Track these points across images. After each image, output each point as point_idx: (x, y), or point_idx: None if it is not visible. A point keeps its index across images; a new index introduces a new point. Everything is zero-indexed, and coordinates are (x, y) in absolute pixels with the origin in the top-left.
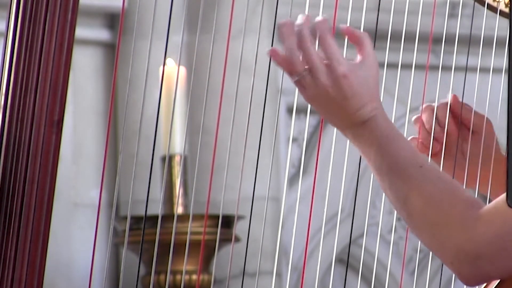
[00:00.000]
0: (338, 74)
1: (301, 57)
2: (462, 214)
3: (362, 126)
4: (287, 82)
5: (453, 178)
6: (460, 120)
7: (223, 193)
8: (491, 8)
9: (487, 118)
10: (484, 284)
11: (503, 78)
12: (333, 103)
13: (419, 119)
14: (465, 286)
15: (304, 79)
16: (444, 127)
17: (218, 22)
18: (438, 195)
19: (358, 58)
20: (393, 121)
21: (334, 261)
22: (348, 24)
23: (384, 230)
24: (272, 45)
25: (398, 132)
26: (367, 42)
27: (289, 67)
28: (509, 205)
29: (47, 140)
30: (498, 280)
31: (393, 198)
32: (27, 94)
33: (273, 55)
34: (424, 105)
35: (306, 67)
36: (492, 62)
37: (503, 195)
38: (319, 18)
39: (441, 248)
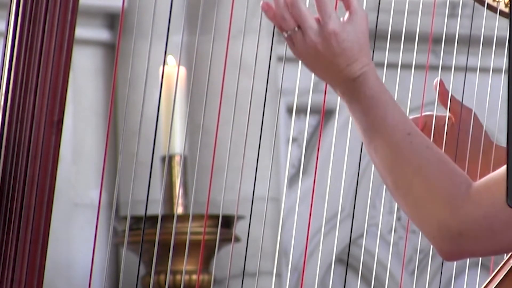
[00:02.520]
0: (328, 31)
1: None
2: (450, 190)
3: (352, 82)
4: (287, 82)
5: None
6: (448, 111)
7: (223, 193)
8: (491, 8)
9: (474, 112)
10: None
11: (503, 78)
12: (323, 59)
13: None
14: (465, 286)
15: (295, 35)
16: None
17: (218, 22)
18: (426, 166)
19: (347, 14)
20: None
21: (334, 261)
22: None
23: (384, 230)
24: (272, 46)
25: (389, 95)
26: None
27: (279, 24)
28: (509, 205)
29: (47, 140)
30: (499, 280)
31: (378, 163)
32: (27, 94)
33: (265, 10)
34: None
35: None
36: (492, 62)
37: (495, 176)
38: None
39: (424, 221)
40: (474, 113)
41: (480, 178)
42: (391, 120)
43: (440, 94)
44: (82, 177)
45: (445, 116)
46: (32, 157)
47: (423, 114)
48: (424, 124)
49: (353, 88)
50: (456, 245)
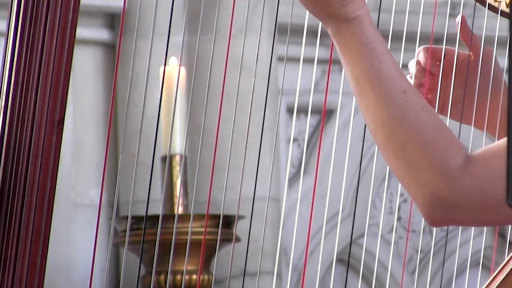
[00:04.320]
0: None
1: None
2: (446, 159)
3: (345, 24)
4: (287, 82)
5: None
6: (470, 49)
7: (224, 193)
8: (492, 8)
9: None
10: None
11: (504, 78)
12: None
13: (416, 63)
14: (466, 285)
15: None
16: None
17: (218, 22)
18: (422, 131)
19: None
20: None
21: (334, 261)
22: None
23: (384, 230)
24: (272, 46)
25: (385, 47)
26: None
27: None
28: (509, 205)
29: (47, 140)
30: (500, 280)
31: (368, 117)
32: (28, 94)
33: None
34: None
35: None
36: (493, 61)
37: (493, 150)
38: None
39: (415, 186)
40: (495, 55)
41: (498, 119)
42: (386, 73)
43: (462, 31)
44: (82, 177)
45: (466, 53)
46: (33, 156)
47: (445, 47)
48: (445, 55)
49: (347, 31)
50: (446, 214)
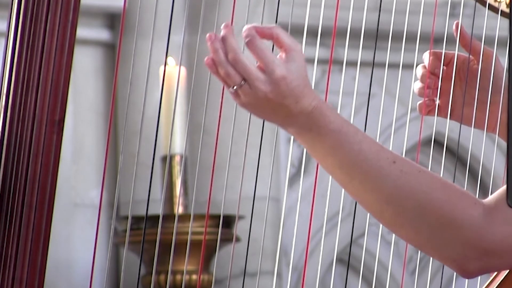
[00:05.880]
0: (277, 77)
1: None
2: (467, 212)
3: (305, 120)
4: None
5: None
6: (470, 53)
7: (224, 193)
8: (492, 8)
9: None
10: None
11: (504, 78)
12: (272, 104)
13: (422, 67)
14: (466, 286)
15: (242, 89)
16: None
17: (218, 22)
18: (431, 194)
19: (284, 53)
20: (393, 121)
21: (334, 261)
22: (349, 24)
23: (384, 230)
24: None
25: (353, 126)
26: (281, 33)
27: (224, 80)
28: (509, 205)
29: (48, 140)
30: (500, 280)
31: (367, 198)
32: (28, 94)
33: (210, 65)
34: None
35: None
36: (493, 62)
37: (503, 190)
38: (245, 27)
39: (443, 247)
40: (496, 55)
41: (500, 120)
42: (369, 151)
43: (461, 36)
44: (82, 177)
45: (472, 58)
46: (34, 156)
47: (447, 51)
48: (449, 61)
49: (312, 125)
50: (482, 264)
